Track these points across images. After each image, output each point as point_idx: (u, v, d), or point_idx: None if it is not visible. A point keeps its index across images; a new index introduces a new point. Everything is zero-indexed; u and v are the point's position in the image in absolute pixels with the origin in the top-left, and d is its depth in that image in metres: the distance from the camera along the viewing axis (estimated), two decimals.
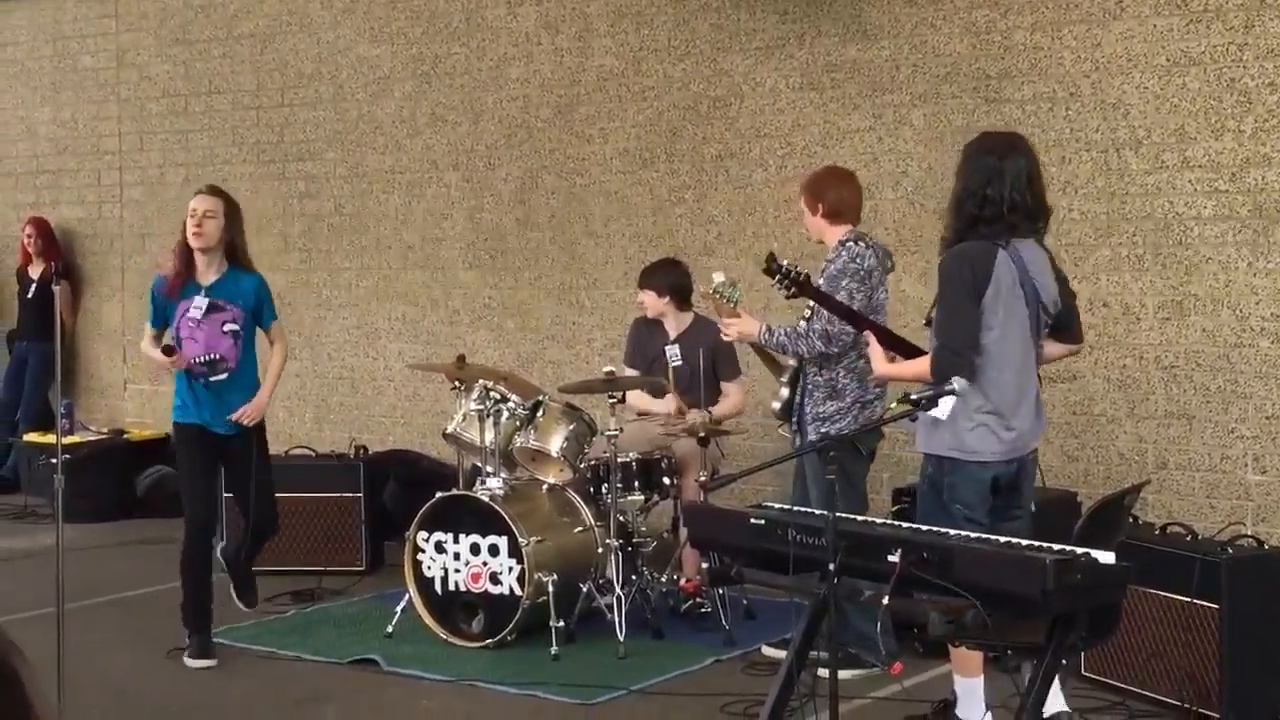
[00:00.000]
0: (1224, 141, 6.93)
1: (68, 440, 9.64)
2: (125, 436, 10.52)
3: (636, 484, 7.04)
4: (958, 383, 4.80)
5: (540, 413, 7.05)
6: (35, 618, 6.96)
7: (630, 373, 7.52)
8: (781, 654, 6.07)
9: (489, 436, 6.92)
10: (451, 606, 6.83)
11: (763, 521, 4.47)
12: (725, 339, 6.53)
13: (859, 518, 4.92)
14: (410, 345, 9.77)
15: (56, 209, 11.46)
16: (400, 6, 9.73)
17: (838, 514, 4.16)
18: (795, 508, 5.28)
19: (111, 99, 11.20)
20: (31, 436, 10.57)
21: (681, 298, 7.48)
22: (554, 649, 6.50)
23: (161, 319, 6.67)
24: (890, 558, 4.02)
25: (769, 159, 8.33)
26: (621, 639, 6.54)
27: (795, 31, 8.20)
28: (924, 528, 4.55)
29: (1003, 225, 4.96)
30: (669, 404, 7.35)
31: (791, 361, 6.31)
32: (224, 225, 6.53)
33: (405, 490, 8.61)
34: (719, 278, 6.21)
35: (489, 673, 6.36)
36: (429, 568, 6.87)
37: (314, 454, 8.67)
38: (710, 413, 7.19)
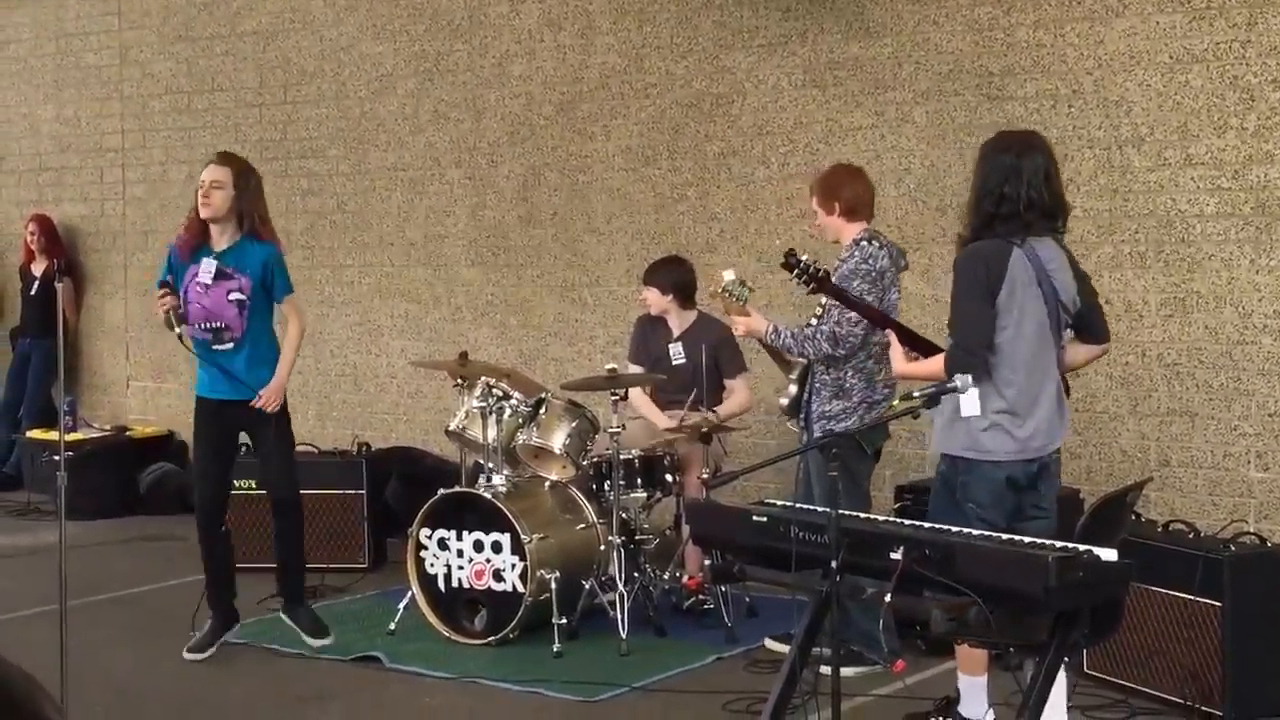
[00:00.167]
0: (1227, 139, 6.93)
1: (70, 437, 9.66)
2: (128, 433, 10.53)
3: (639, 481, 7.04)
4: (960, 380, 4.80)
5: (543, 410, 7.06)
6: (38, 615, 6.98)
7: (634, 369, 7.52)
8: (784, 648, 6.09)
9: (491, 434, 6.92)
10: (454, 604, 6.83)
11: (765, 519, 4.47)
12: (737, 334, 6.55)
13: (861, 515, 4.92)
14: (413, 342, 9.77)
15: (59, 206, 11.47)
16: (403, 4, 9.73)
17: (840, 511, 4.16)
18: (798, 505, 5.27)
19: (114, 96, 11.20)
20: (34, 433, 10.58)
21: (685, 295, 7.48)
22: (556, 646, 6.51)
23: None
24: (893, 555, 4.02)
25: (771, 156, 8.33)
26: (624, 636, 6.55)
27: (797, 29, 8.20)
28: (926, 525, 4.55)
29: (1019, 223, 4.92)
30: (668, 420, 7.30)
31: (801, 359, 6.31)
32: (234, 195, 6.44)
33: (408, 487, 8.61)
34: (729, 276, 6.18)
35: (491, 670, 6.37)
36: (432, 565, 6.88)
37: (317, 451, 8.67)
38: (716, 413, 7.18)
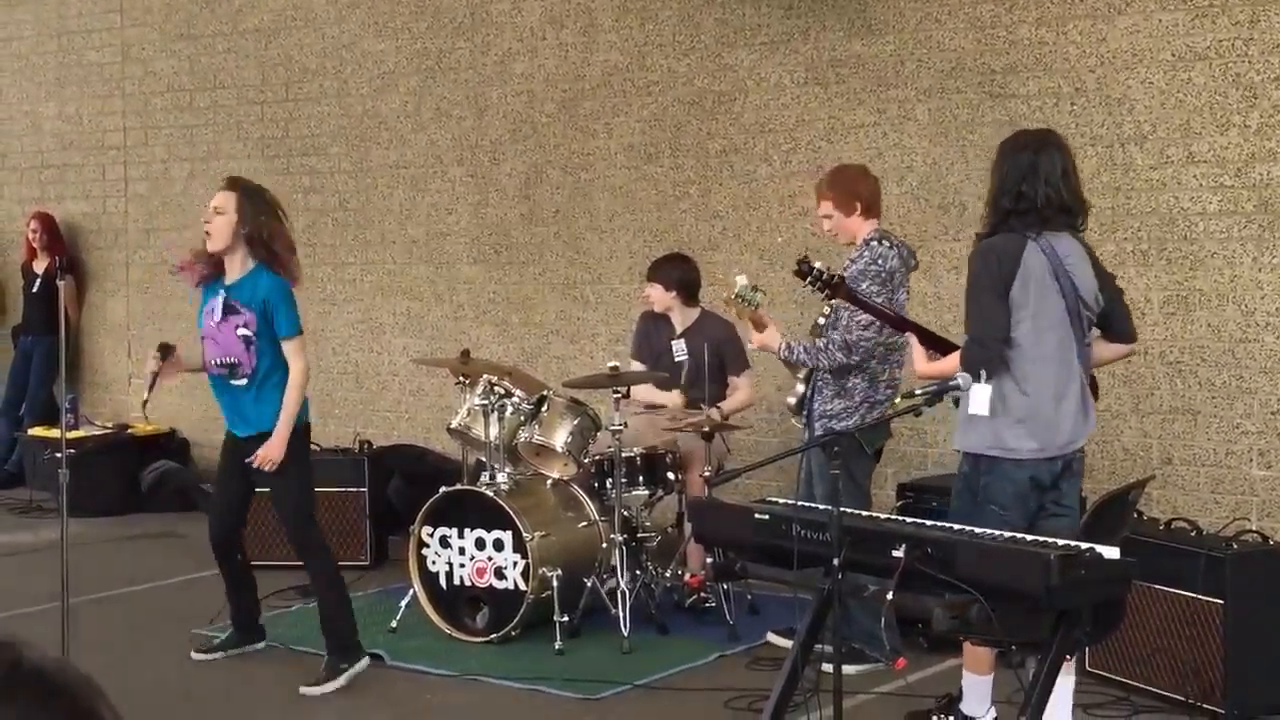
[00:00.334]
0: (1229, 137, 6.93)
1: (72, 435, 9.65)
2: (129, 431, 10.53)
3: (641, 479, 7.04)
4: (961, 379, 4.80)
5: (544, 408, 7.05)
6: (40, 612, 6.98)
7: (637, 366, 7.52)
8: (787, 643, 6.09)
9: (493, 431, 6.92)
10: (456, 601, 6.83)
11: (767, 517, 4.46)
12: (751, 347, 6.54)
13: (863, 513, 4.91)
14: (414, 340, 9.77)
15: (61, 204, 11.47)
16: (404, 2, 9.73)
17: (842, 510, 4.16)
18: (800, 503, 5.27)
19: (116, 94, 11.20)
20: (36, 431, 10.58)
21: (689, 293, 7.48)
22: (558, 644, 6.51)
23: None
24: (894, 553, 4.02)
25: (773, 154, 8.33)
26: (626, 634, 6.55)
27: (800, 26, 8.20)
28: (928, 523, 4.55)
29: (1035, 217, 4.89)
30: (676, 397, 7.33)
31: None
32: (236, 221, 6.10)
33: (409, 485, 8.62)
34: (741, 281, 6.14)
35: (493, 667, 6.37)
36: (433, 562, 6.88)
37: (318, 448, 8.61)
38: (720, 409, 7.19)
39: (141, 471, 10.23)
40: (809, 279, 5.61)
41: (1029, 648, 4.38)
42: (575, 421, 7.06)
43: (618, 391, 6.87)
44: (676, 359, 7.42)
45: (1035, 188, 4.90)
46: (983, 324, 4.94)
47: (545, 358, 9.17)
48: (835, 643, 4.25)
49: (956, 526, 4.43)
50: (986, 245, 5.00)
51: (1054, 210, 4.92)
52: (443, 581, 6.86)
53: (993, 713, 5.20)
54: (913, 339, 5.38)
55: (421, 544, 6.90)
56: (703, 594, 7.03)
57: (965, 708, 5.22)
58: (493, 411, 6.91)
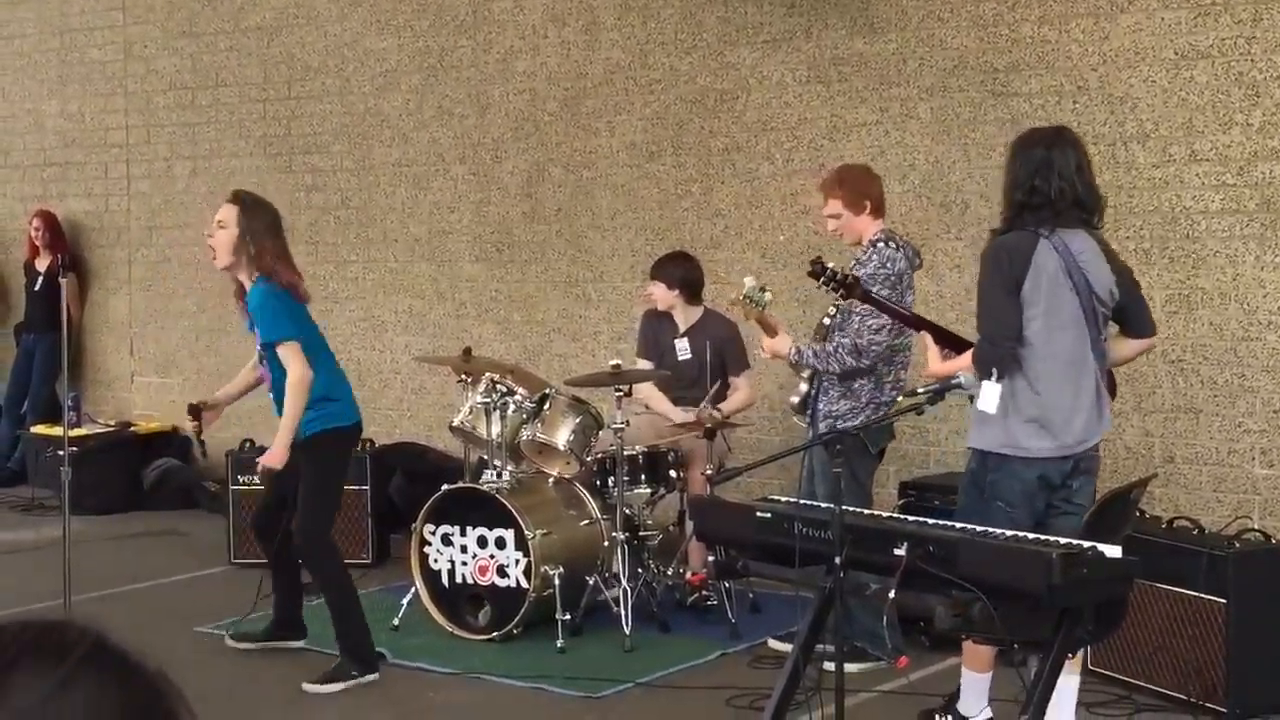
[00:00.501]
0: (1232, 135, 6.92)
1: (74, 433, 9.63)
2: (132, 429, 10.53)
3: (643, 477, 7.04)
4: (963, 378, 4.79)
5: (547, 406, 7.05)
6: (42, 610, 6.98)
7: (643, 364, 7.52)
8: (787, 647, 6.08)
9: (495, 429, 6.92)
10: (458, 599, 6.84)
11: (769, 515, 4.46)
12: (762, 358, 6.53)
13: (865, 511, 4.91)
14: (416, 338, 9.77)
15: (63, 202, 11.47)
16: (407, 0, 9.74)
17: (844, 508, 4.16)
18: (801, 501, 5.26)
19: (118, 92, 11.20)
20: (38, 429, 10.58)
21: (692, 292, 7.48)
22: (560, 642, 6.51)
23: None
24: (896, 551, 4.02)
25: (775, 152, 8.32)
26: (627, 632, 6.55)
27: (802, 24, 8.19)
28: (930, 521, 4.54)
29: (1049, 213, 4.87)
30: (681, 413, 7.29)
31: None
32: (236, 235, 6.08)
33: (411, 483, 8.62)
34: (749, 283, 6.13)
35: (495, 665, 6.37)
36: (435, 560, 6.88)
37: None
38: (720, 410, 7.18)
39: (144, 469, 10.24)
40: (823, 279, 5.57)
41: (1031, 646, 4.38)
42: (577, 420, 7.06)
43: (619, 390, 6.87)
44: (680, 358, 7.42)
45: (1049, 182, 4.88)
46: (994, 323, 4.93)
47: (547, 356, 9.17)
48: (837, 641, 4.25)
49: (959, 525, 4.43)
50: (998, 243, 4.98)
51: (1068, 205, 4.89)
52: (444, 579, 6.86)
53: (987, 713, 5.19)
54: (928, 338, 5.36)
55: (423, 542, 6.91)
56: (704, 592, 7.03)
57: (961, 708, 5.22)
58: (495, 410, 6.91)
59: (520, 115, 9.28)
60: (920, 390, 4.77)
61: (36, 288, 11.05)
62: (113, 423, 10.64)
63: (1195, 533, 5.90)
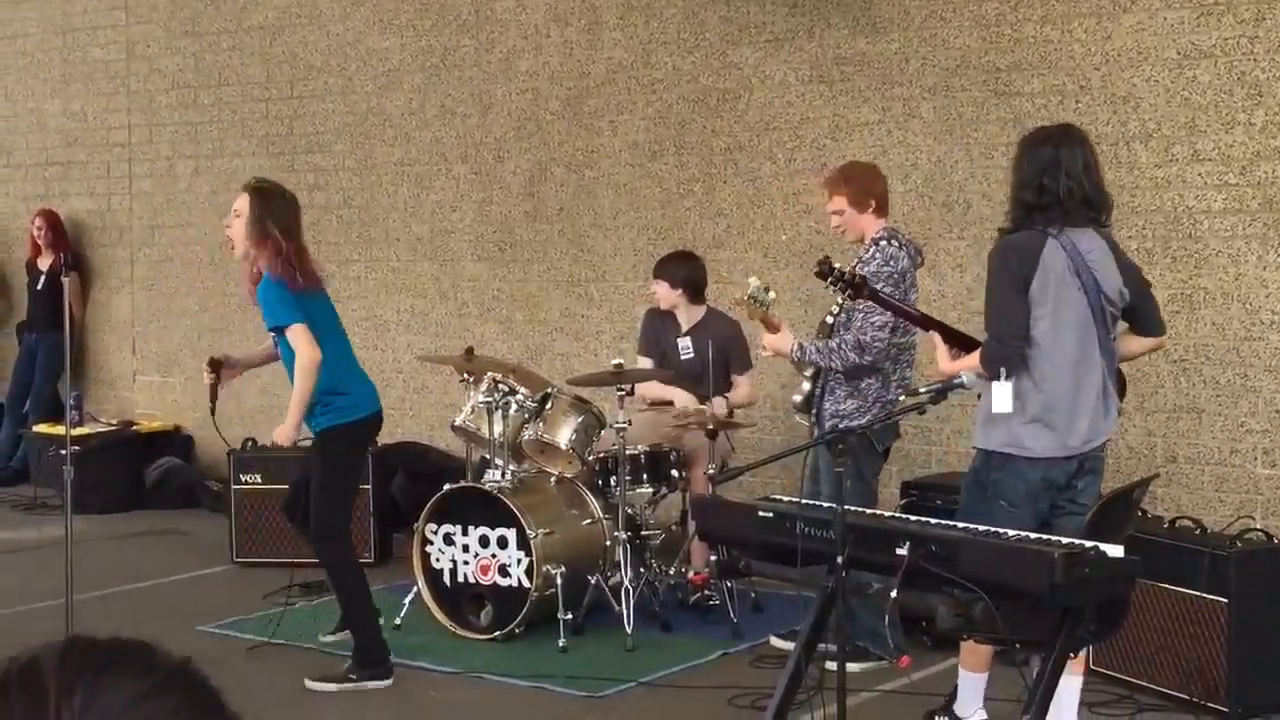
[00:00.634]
0: (1234, 135, 6.92)
1: (77, 432, 9.64)
2: (134, 428, 10.54)
3: (645, 476, 7.04)
4: (966, 377, 4.79)
5: (549, 405, 7.05)
6: (45, 609, 6.99)
7: (645, 362, 7.52)
8: (789, 645, 6.09)
9: (497, 429, 6.93)
10: (459, 599, 6.84)
11: (771, 514, 4.46)
12: (762, 355, 6.52)
13: (867, 511, 4.90)
14: (419, 337, 9.77)
15: (66, 201, 11.47)
16: None
17: (846, 507, 4.16)
18: (804, 501, 5.26)
19: (121, 91, 11.21)
20: (41, 428, 10.58)
21: (694, 291, 7.48)
22: (562, 641, 6.51)
23: None
24: (898, 551, 4.02)
25: (778, 152, 8.32)
26: (629, 631, 6.55)
27: (804, 24, 8.19)
28: (932, 520, 4.54)
29: (1058, 212, 4.86)
30: (685, 395, 7.31)
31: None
32: (251, 222, 6.00)
33: (413, 482, 8.62)
34: (754, 282, 6.13)
35: (496, 665, 6.37)
36: (437, 560, 6.88)
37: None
38: (727, 398, 7.18)
39: (146, 468, 10.25)
40: (830, 279, 5.55)
41: (1033, 646, 4.38)
42: (579, 419, 7.06)
43: (622, 389, 6.87)
44: (682, 357, 7.42)
45: (1057, 181, 4.87)
46: (1001, 322, 4.92)
47: (549, 355, 9.17)
48: (839, 641, 4.25)
49: (961, 524, 4.43)
50: (1005, 243, 4.97)
51: (1076, 204, 4.88)
52: (446, 579, 6.86)
53: (981, 714, 5.18)
54: (936, 337, 5.34)
55: (425, 541, 6.91)
56: (706, 592, 7.03)
57: (958, 708, 5.21)
58: (497, 409, 6.91)
59: (523, 114, 9.28)
60: (922, 390, 4.77)
61: (39, 287, 11.06)
62: (115, 422, 10.65)
63: (1197, 532, 5.89)
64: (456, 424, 7.24)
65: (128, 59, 11.15)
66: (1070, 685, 4.88)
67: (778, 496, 5.18)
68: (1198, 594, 5.55)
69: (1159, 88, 7.10)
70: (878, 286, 5.88)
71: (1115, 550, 3.98)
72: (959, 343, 5.29)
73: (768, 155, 8.36)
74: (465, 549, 6.82)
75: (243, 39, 10.52)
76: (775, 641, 6.57)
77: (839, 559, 4.08)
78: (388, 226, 9.93)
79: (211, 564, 8.39)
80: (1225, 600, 5.46)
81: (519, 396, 7.02)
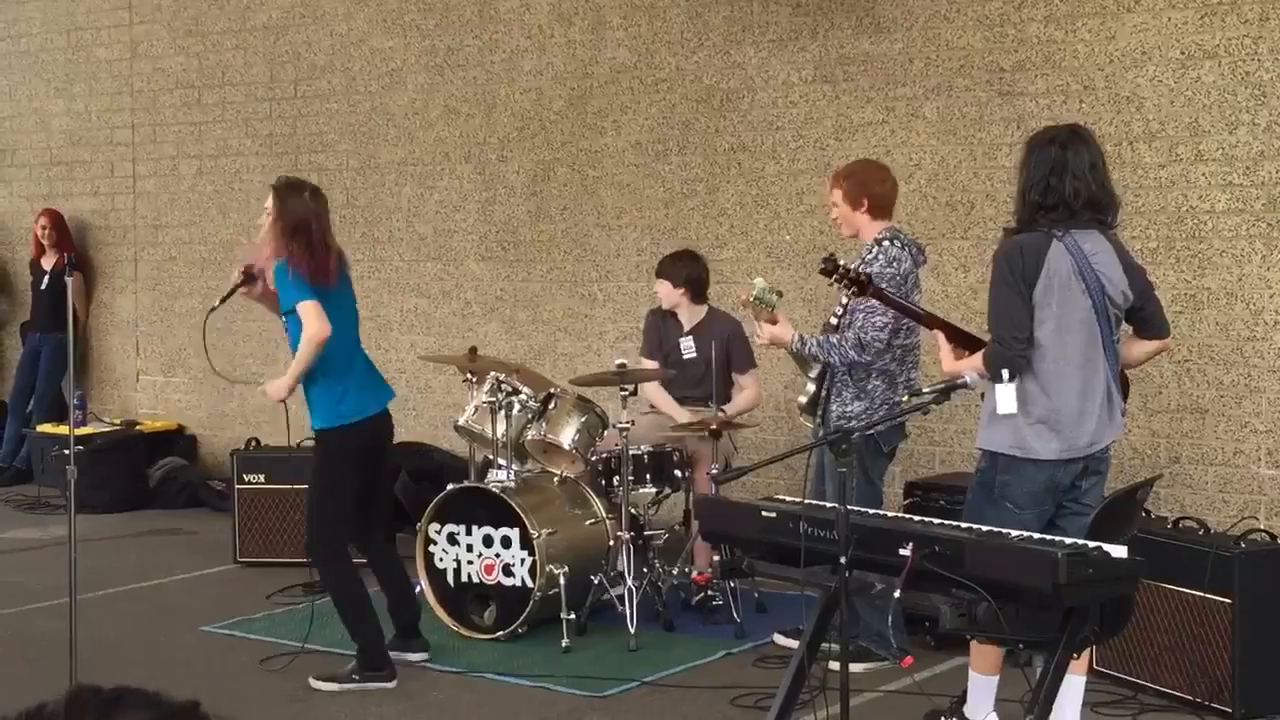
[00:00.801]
0: (1238, 135, 6.91)
1: (80, 431, 9.67)
2: (138, 428, 10.55)
3: (648, 477, 7.03)
4: (969, 377, 4.79)
5: (552, 405, 7.05)
6: (48, 608, 7.00)
7: (648, 363, 7.52)
8: (793, 643, 6.09)
9: (501, 429, 6.93)
10: (463, 598, 6.84)
11: (774, 514, 4.46)
12: (759, 344, 6.51)
13: (871, 511, 4.90)
14: (422, 337, 9.77)
15: (70, 201, 11.48)
16: None
17: (849, 507, 4.15)
18: (807, 501, 5.25)
19: (125, 90, 11.21)
20: (44, 427, 10.59)
21: (697, 291, 7.47)
22: (565, 641, 6.51)
23: None
24: (902, 551, 4.02)
25: (781, 152, 8.32)
26: (632, 631, 6.54)
27: (808, 24, 8.19)
28: (936, 521, 4.54)
29: (1063, 213, 4.85)
30: (684, 413, 7.30)
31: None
32: (273, 220, 6.04)
33: (417, 482, 8.63)
34: (760, 283, 6.13)
35: (500, 665, 6.37)
36: (441, 560, 6.88)
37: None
38: (724, 411, 7.18)
39: (149, 468, 10.25)
40: (834, 276, 5.55)
41: (1036, 647, 4.38)
42: (582, 419, 7.06)
43: (625, 389, 6.87)
44: (685, 356, 7.42)
45: (1063, 181, 4.86)
46: (1004, 323, 4.91)
47: (553, 355, 9.18)
48: (842, 641, 4.24)
49: (965, 525, 4.43)
50: (1011, 244, 4.96)
51: (1082, 204, 4.87)
52: (450, 579, 6.86)
53: (993, 716, 5.18)
54: (941, 336, 5.34)
55: (429, 541, 6.91)
56: (710, 592, 7.03)
57: (968, 710, 5.20)
58: (500, 409, 6.91)
59: (526, 114, 9.29)
60: (926, 390, 4.76)
61: (43, 286, 11.08)
62: (118, 421, 10.66)
63: (1201, 533, 5.89)
64: (460, 424, 7.24)
65: (131, 59, 11.16)
66: (1073, 685, 4.88)
67: (781, 496, 5.17)
68: (1202, 594, 5.54)
69: (1163, 88, 7.10)
70: (881, 286, 5.89)
71: (1119, 551, 3.98)
72: (963, 342, 5.28)
73: (771, 155, 8.36)
74: (469, 549, 6.82)
75: (246, 39, 10.52)
76: (779, 639, 6.58)
77: (842, 559, 4.07)
78: (391, 226, 9.93)
79: (215, 564, 8.40)
80: (1229, 601, 5.46)
81: (522, 396, 7.03)
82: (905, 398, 5.63)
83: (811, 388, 6.32)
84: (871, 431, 5.91)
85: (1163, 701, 5.67)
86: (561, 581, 6.60)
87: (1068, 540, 4.13)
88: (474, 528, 6.81)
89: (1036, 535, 4.31)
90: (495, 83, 9.40)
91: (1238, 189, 6.93)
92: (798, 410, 6.54)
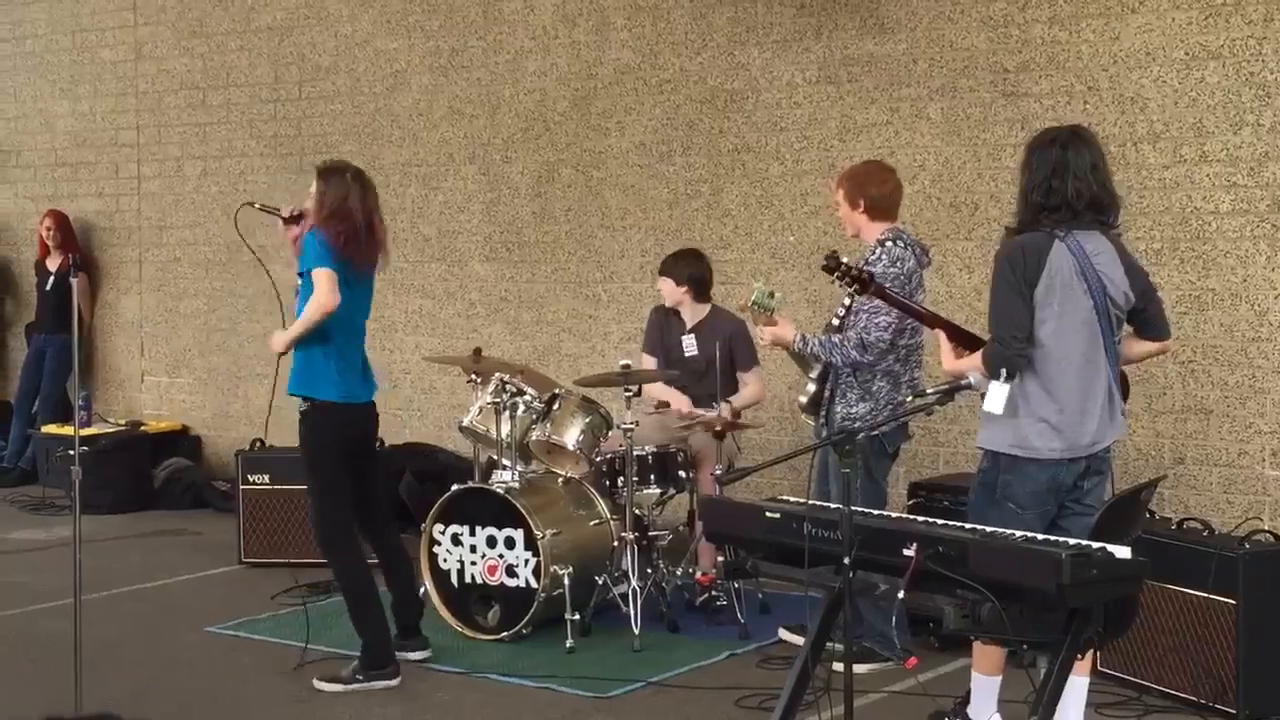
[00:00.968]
0: (1242, 136, 6.91)
1: (85, 432, 9.68)
2: (143, 428, 10.55)
3: (652, 477, 7.04)
4: (973, 377, 4.79)
5: (556, 406, 7.06)
6: (53, 608, 7.00)
7: (649, 360, 7.52)
8: (799, 639, 6.09)
9: (505, 429, 6.93)
10: (467, 599, 6.84)
11: (778, 515, 4.46)
12: (760, 345, 6.51)
13: (875, 511, 4.90)
14: (427, 338, 9.78)
15: (74, 201, 11.49)
16: (417, 0, 9.74)
17: (853, 508, 4.15)
18: (811, 501, 5.24)
19: (129, 92, 11.22)
20: (49, 428, 10.61)
21: (699, 289, 7.48)
22: (569, 642, 6.51)
23: None
24: (906, 551, 4.02)
25: (785, 152, 8.32)
26: (637, 632, 6.55)
27: (812, 25, 8.19)
28: (939, 521, 4.54)
29: (1066, 212, 4.86)
30: (683, 398, 7.32)
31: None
32: (316, 204, 6.16)
33: (421, 483, 8.63)
34: (758, 288, 6.14)
35: (504, 665, 6.37)
36: (445, 560, 6.88)
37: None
38: (730, 403, 7.18)
39: (154, 469, 10.26)
40: (837, 274, 5.55)
41: (1040, 648, 4.38)
42: (587, 420, 7.07)
43: (629, 390, 6.87)
44: (687, 354, 7.42)
45: (1065, 182, 4.86)
46: (1003, 322, 4.92)
47: (557, 356, 9.18)
48: (846, 641, 4.24)
49: (968, 525, 4.43)
50: (1012, 244, 4.97)
51: (1084, 205, 4.87)
52: (454, 579, 6.86)
53: (996, 718, 5.17)
54: (942, 336, 5.34)
55: (433, 542, 6.91)
56: (714, 592, 7.03)
57: (971, 711, 5.20)
58: (504, 410, 6.92)
59: (530, 115, 9.29)
60: (930, 390, 4.76)
61: (47, 287, 11.09)
62: (123, 422, 10.66)
63: (1205, 534, 5.89)
64: (464, 425, 7.24)
65: (136, 60, 11.17)
66: (1077, 687, 4.87)
67: (785, 497, 5.17)
68: (1206, 595, 5.54)
69: (1167, 89, 7.10)
70: (883, 285, 5.89)
71: (1123, 551, 3.98)
72: (964, 341, 5.28)
73: (775, 156, 8.36)
74: (473, 549, 6.83)
75: (251, 40, 10.53)
76: (785, 635, 6.58)
77: (846, 560, 4.08)
78: (396, 227, 9.90)
79: (219, 564, 8.41)
80: (1233, 601, 5.45)
81: (526, 397, 7.03)
82: (909, 398, 5.63)
83: (813, 387, 6.32)
84: (875, 432, 5.93)
85: (1167, 703, 5.67)
86: (566, 582, 6.60)
87: (1071, 541, 4.13)
88: (478, 528, 6.82)
89: (1040, 536, 4.31)
90: (499, 84, 9.41)
91: (1242, 190, 6.92)
92: (800, 409, 6.54)
